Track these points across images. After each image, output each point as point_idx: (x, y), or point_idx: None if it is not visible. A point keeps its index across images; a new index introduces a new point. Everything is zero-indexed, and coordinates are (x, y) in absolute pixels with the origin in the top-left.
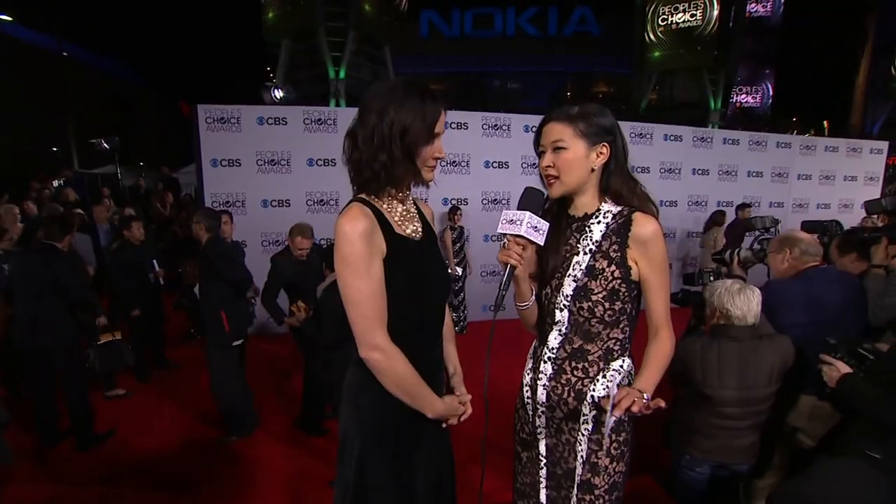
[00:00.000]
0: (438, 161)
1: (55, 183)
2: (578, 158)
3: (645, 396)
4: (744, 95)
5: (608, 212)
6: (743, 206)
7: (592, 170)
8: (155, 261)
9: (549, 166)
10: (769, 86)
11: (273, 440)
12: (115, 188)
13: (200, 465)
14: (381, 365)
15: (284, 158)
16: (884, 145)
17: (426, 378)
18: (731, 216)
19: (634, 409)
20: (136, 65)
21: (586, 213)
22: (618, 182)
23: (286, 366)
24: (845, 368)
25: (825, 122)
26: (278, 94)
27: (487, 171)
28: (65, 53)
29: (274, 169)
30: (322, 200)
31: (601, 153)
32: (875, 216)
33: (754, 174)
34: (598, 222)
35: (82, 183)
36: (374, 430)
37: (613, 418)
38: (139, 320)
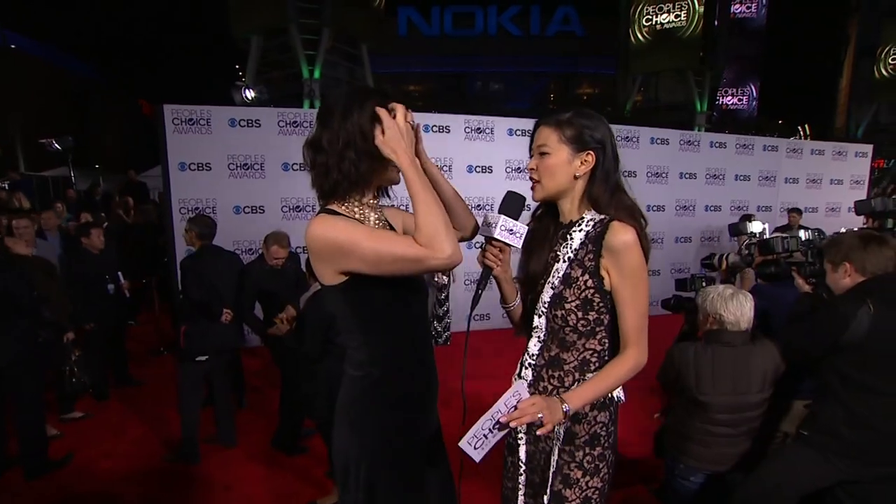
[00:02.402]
0: None
1: None
2: (560, 164)
3: (565, 407)
4: (729, 97)
5: (590, 220)
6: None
7: (576, 177)
8: (120, 273)
9: (532, 169)
10: (754, 88)
11: (248, 460)
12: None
13: (168, 490)
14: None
15: (258, 162)
16: (868, 149)
17: (423, 393)
18: (714, 219)
19: (522, 421)
20: (91, 58)
21: (571, 221)
22: (598, 191)
23: (257, 381)
24: (805, 286)
25: (807, 127)
26: (250, 94)
27: (470, 175)
28: (12, 46)
29: (247, 173)
30: (298, 207)
31: (586, 161)
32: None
33: (742, 178)
34: (580, 230)
35: (31, 186)
36: (381, 449)
37: (498, 427)
38: (97, 335)
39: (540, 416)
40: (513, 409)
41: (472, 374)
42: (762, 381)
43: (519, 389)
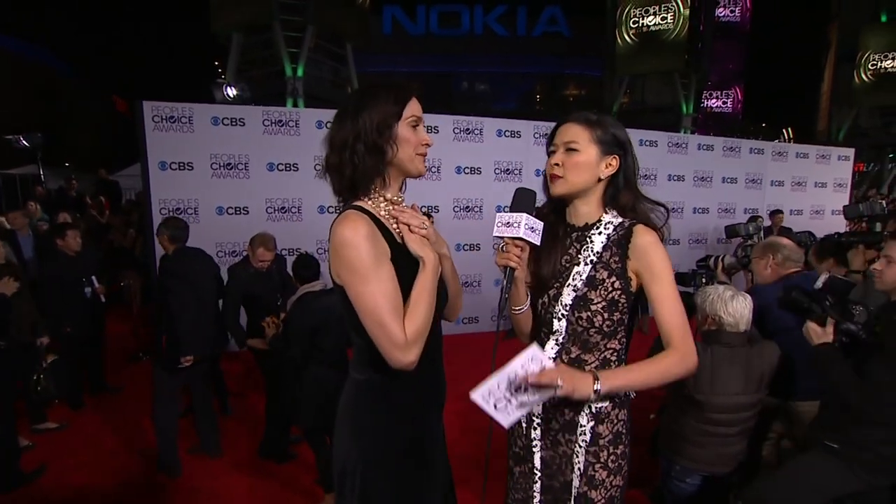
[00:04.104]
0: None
1: None
2: (588, 163)
3: (596, 385)
4: (714, 100)
5: (609, 222)
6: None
7: (600, 179)
8: (94, 277)
9: (556, 164)
10: (738, 91)
11: (234, 469)
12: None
13: (149, 503)
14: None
15: (242, 162)
16: (850, 152)
17: (429, 399)
18: (702, 221)
19: (540, 381)
20: (63, 52)
21: (587, 223)
22: (626, 197)
23: (241, 386)
24: (827, 335)
25: (790, 130)
26: (231, 91)
27: (459, 177)
28: None
29: (230, 173)
30: (283, 208)
31: (610, 164)
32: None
33: (729, 180)
34: (600, 233)
35: None
36: (378, 456)
37: (514, 390)
38: (72, 340)
39: (560, 382)
40: (534, 373)
41: (464, 376)
42: (759, 382)
43: (537, 354)
